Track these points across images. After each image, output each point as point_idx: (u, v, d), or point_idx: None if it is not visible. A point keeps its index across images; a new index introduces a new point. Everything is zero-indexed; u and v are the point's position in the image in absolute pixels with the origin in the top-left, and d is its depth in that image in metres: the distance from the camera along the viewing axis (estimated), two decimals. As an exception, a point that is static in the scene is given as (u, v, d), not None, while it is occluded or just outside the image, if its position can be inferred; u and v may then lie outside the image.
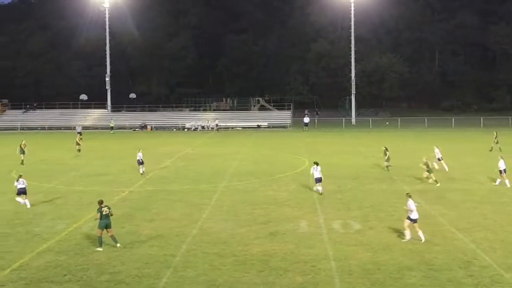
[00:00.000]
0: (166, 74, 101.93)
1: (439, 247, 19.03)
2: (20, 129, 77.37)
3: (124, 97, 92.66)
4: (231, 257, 18.16)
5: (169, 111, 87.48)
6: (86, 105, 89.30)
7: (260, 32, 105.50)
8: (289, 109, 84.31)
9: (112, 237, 19.50)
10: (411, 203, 19.71)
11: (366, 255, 18.14)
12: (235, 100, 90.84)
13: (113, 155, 45.42)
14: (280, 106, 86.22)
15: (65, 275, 16.83)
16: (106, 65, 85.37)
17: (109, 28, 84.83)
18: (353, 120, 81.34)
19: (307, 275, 16.49)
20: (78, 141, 48.55)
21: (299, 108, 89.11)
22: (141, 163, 35.35)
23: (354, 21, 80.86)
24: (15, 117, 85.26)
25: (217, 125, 74.45)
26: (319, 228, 21.63)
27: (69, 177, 34.73)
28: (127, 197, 28.36)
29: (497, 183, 29.86)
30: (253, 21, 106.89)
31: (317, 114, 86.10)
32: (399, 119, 75.31)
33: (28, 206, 25.89)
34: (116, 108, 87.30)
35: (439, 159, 35.02)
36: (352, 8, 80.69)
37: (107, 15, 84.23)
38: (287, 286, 15.83)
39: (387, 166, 35.12)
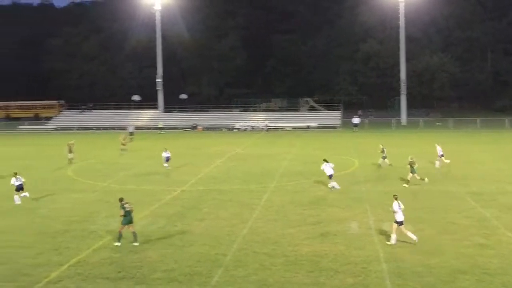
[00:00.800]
0: (215, 75, 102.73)
1: (493, 250, 18.66)
2: (76, 129, 79.31)
3: (175, 98, 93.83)
4: (282, 257, 18.27)
5: (219, 111, 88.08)
6: (139, 106, 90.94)
7: (308, 32, 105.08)
8: (338, 109, 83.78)
9: (134, 233, 19.97)
10: (395, 205, 19.45)
11: (417, 258, 17.96)
12: (285, 101, 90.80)
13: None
14: (329, 107, 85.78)
15: (119, 271, 17.23)
16: (157, 66, 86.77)
17: (160, 30, 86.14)
18: (403, 120, 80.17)
19: (358, 277, 16.47)
20: (123, 141, 49.56)
21: (348, 108, 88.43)
22: (167, 160, 37.65)
23: (404, 20, 79.75)
24: (71, 117, 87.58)
25: (266, 125, 74.63)
26: (369, 229, 21.53)
27: (122, 176, 35.48)
28: (178, 196, 28.81)
29: None
30: (302, 21, 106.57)
31: (371, 115, 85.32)
32: (450, 120, 73.84)
33: (18, 202, 27.14)
34: (167, 108, 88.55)
35: (441, 156, 35.95)
36: (402, 8, 79.59)
37: (157, 17, 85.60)
38: (337, 287, 15.85)
39: (380, 164, 36.10)
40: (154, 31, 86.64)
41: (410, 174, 30.24)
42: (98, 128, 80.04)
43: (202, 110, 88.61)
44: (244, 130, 75.32)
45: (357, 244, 19.56)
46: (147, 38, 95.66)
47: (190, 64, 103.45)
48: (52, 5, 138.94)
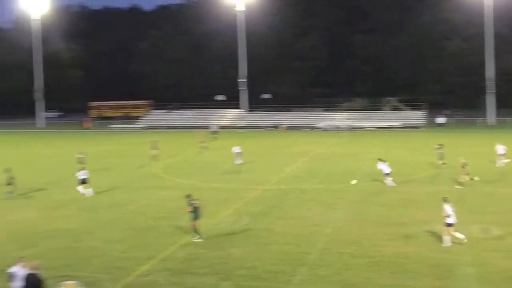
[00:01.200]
0: (297, 74, 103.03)
1: None
2: (163, 128, 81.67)
3: (258, 97, 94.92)
4: (365, 257, 18.17)
5: (301, 111, 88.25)
6: (223, 106, 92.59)
7: (390, 31, 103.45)
8: (422, 109, 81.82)
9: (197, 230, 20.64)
10: (447, 208, 19.24)
11: (507, 263, 17.37)
12: (367, 100, 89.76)
13: (247, 154, 46.84)
14: (413, 106, 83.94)
15: (204, 267, 17.57)
16: (240, 66, 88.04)
17: (243, 30, 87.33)
18: (491, 120, 77.26)
19: (443, 280, 16.15)
20: (202, 140, 50.71)
21: (432, 108, 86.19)
22: (238, 155, 38.31)
23: (491, 17, 76.78)
24: (158, 116, 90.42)
25: (349, 125, 74.08)
26: (455, 232, 20.99)
27: (207, 175, 36.23)
28: (261, 195, 29.17)
29: None
30: (383, 20, 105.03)
31: (457, 114, 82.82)
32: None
33: (82, 191, 29.38)
34: (250, 108, 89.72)
35: (501, 155, 36.80)
36: (488, 4, 76.61)
37: (241, 18, 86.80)
38: (421, 289, 15.64)
39: (441, 164, 36.30)
40: (238, 32, 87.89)
41: (464, 176, 30.12)
42: (184, 127, 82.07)
43: (284, 109, 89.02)
44: (326, 130, 75.00)
45: (442, 246, 19.16)
46: (231, 39, 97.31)
47: (272, 64, 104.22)
48: (141, 9, 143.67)
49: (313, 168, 38.53)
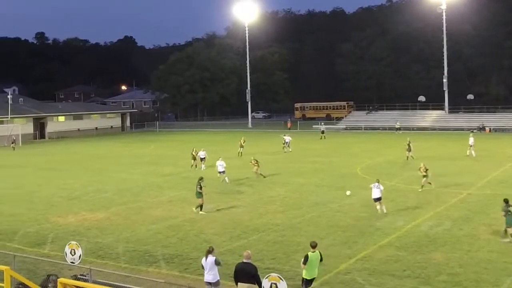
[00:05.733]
0: (505, 74, 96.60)
1: None
2: (364, 129, 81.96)
3: (461, 98, 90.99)
4: None
5: (509, 112, 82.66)
6: (424, 107, 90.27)
7: None
8: None
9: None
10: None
11: None
12: None
13: (450, 156, 45.33)
14: None
15: (404, 270, 17.49)
16: (443, 66, 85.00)
17: (446, 29, 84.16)
18: None
19: None
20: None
21: None
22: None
23: None
24: (359, 117, 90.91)
25: None
26: None
27: (408, 176, 35.66)
28: (465, 199, 28.26)
29: None
30: None
31: None
32: None
33: (203, 168, 40.06)
34: (453, 109, 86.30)
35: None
36: None
37: (444, 17, 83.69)
38: None
39: None
40: (440, 31, 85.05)
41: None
42: (384, 128, 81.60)
43: (490, 110, 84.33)
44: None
45: None
46: (433, 39, 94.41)
47: (477, 63, 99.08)
48: (342, 11, 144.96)
49: (523, 173, 36.18)
